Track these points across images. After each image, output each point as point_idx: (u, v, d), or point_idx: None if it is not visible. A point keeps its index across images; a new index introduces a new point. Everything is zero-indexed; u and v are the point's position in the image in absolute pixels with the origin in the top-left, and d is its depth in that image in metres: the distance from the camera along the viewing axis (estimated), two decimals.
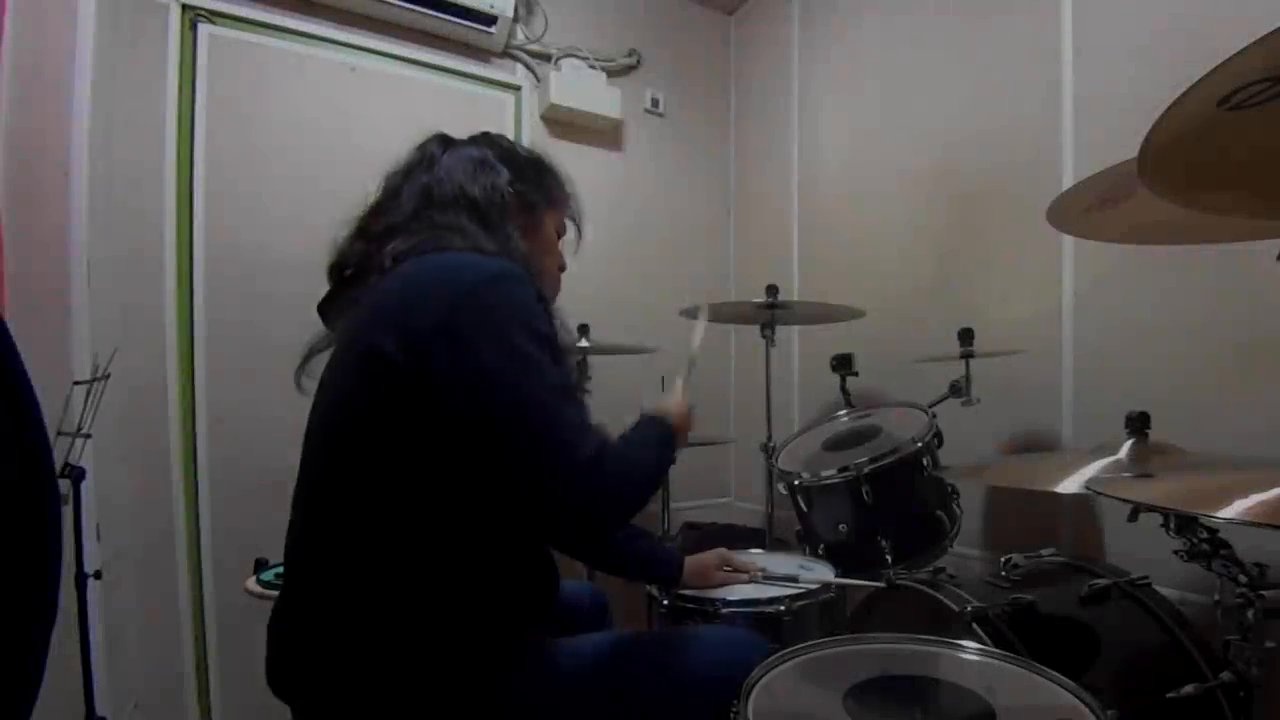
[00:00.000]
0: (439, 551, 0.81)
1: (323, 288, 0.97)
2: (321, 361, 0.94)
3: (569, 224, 1.11)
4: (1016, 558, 1.24)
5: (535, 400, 0.76)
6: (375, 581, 0.80)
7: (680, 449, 0.95)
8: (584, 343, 1.74)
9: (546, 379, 0.78)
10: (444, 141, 1.01)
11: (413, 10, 2.03)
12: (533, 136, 2.31)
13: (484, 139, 1.03)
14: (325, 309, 0.98)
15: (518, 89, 2.30)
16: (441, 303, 0.78)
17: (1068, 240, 1.58)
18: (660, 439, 0.91)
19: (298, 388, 0.96)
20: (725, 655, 0.93)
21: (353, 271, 0.93)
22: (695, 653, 0.94)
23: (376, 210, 0.96)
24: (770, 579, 1.29)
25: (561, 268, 1.11)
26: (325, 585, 0.82)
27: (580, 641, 0.94)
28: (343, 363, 0.87)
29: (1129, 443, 1.03)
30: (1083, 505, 1.55)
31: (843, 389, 1.74)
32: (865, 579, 1.30)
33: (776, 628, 1.18)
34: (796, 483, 1.45)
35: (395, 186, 0.97)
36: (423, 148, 1.00)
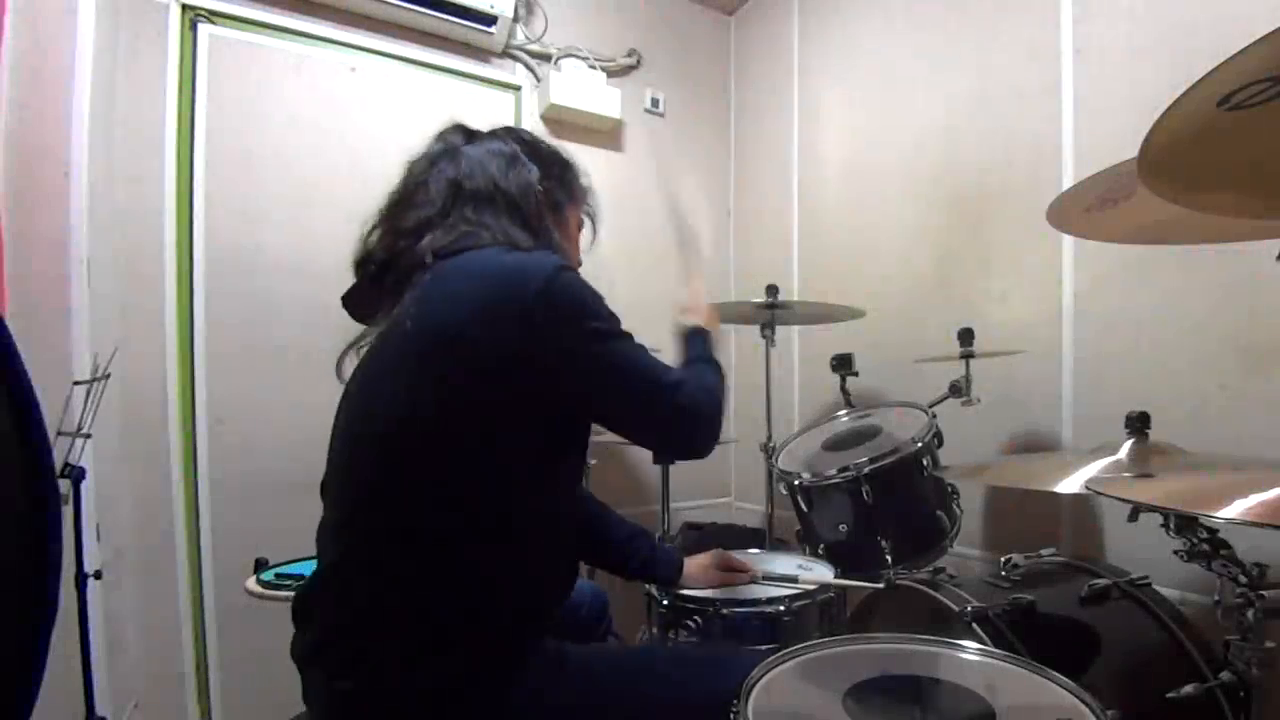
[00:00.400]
0: (478, 546, 0.82)
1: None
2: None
3: (586, 219, 1.11)
4: (1016, 558, 1.24)
5: (636, 371, 0.89)
6: (411, 573, 0.80)
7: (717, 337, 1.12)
8: None
9: (631, 350, 0.89)
10: (465, 132, 1.00)
11: (413, 10, 2.03)
12: None
13: (506, 132, 1.02)
14: (354, 303, 0.97)
15: (518, 89, 2.30)
16: (515, 304, 0.80)
17: (1068, 240, 1.58)
18: (707, 347, 1.08)
19: (339, 377, 0.95)
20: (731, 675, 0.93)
21: (387, 267, 0.91)
22: (705, 668, 0.94)
23: (404, 203, 0.94)
24: (769, 579, 1.29)
25: (578, 264, 1.11)
26: (361, 573, 0.83)
27: (594, 649, 0.94)
28: (393, 360, 0.85)
29: (1129, 443, 1.03)
30: (1083, 505, 1.55)
31: (843, 389, 1.74)
32: (865, 579, 1.30)
33: (776, 628, 1.18)
34: (797, 483, 1.45)
35: (421, 178, 0.95)
36: (443, 137, 0.99)
